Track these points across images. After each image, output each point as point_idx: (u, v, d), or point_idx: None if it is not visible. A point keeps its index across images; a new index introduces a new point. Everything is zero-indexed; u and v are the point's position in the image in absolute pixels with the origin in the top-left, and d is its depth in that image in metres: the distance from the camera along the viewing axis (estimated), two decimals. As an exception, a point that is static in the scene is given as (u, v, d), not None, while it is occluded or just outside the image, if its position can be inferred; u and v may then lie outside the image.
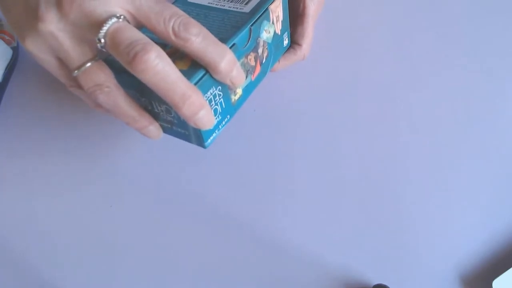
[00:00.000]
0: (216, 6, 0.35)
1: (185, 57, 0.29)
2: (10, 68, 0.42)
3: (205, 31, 0.27)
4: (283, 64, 0.41)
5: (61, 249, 0.37)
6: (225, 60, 0.28)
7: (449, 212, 0.38)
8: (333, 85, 0.43)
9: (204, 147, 0.32)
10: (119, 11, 0.26)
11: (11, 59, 0.41)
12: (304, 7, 0.39)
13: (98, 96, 0.28)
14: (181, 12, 0.27)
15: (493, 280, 0.35)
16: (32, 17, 0.26)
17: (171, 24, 0.26)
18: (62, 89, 0.42)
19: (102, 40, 0.26)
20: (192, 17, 0.32)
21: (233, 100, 0.34)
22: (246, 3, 0.35)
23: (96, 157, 0.40)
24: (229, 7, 0.35)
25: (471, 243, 0.37)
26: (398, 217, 0.38)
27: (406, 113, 0.42)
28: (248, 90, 0.37)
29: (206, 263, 0.37)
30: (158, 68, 0.25)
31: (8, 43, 0.41)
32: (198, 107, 0.27)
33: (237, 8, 0.34)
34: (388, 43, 0.45)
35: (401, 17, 0.46)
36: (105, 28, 0.25)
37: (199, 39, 0.27)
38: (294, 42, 0.40)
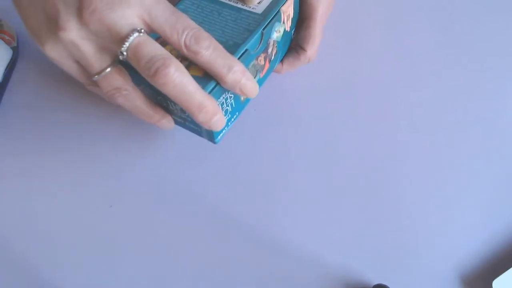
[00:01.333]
0: (229, 2, 0.35)
1: None
2: (10, 68, 0.42)
3: (214, 43, 0.28)
4: (286, 68, 0.40)
5: (61, 249, 0.37)
6: (233, 72, 0.29)
7: (449, 212, 0.38)
8: (333, 85, 0.43)
9: (214, 143, 0.34)
10: (138, 23, 0.27)
11: (11, 59, 0.41)
12: (311, 10, 0.37)
13: (117, 98, 0.30)
14: (193, 25, 0.28)
15: (493, 280, 0.35)
16: (53, 25, 0.27)
17: (184, 37, 0.27)
18: (62, 89, 0.42)
19: (124, 53, 0.27)
20: (206, 15, 0.33)
21: (242, 98, 0.35)
22: (259, 2, 0.35)
23: (97, 157, 0.40)
24: (242, 5, 0.35)
25: (471, 243, 0.37)
26: (398, 217, 0.38)
27: (406, 113, 0.42)
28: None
29: (206, 263, 0.37)
30: (177, 81, 0.27)
31: (8, 43, 0.41)
32: (212, 114, 0.29)
33: (249, 7, 0.34)
34: (389, 42, 0.45)
35: (401, 17, 0.46)
36: (127, 43, 0.27)
37: (208, 52, 0.28)
38: (298, 46, 0.39)
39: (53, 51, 0.28)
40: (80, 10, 0.26)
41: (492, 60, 0.43)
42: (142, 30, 0.27)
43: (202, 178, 0.39)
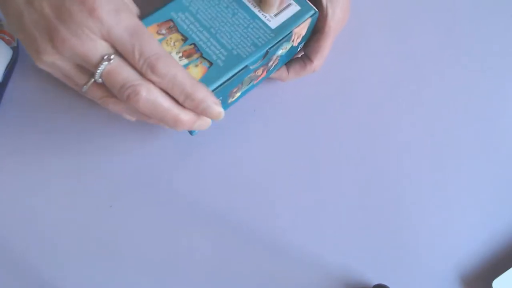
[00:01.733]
0: (248, 3, 0.34)
1: (200, 64, 0.31)
2: (10, 68, 0.42)
3: (172, 72, 0.28)
4: (292, 77, 0.40)
5: (61, 249, 0.37)
6: (191, 100, 0.29)
7: (449, 212, 0.38)
8: (333, 85, 0.43)
9: (191, 134, 0.37)
10: (106, 48, 0.28)
11: (11, 59, 0.41)
12: (324, 25, 0.36)
13: (108, 106, 0.31)
14: (151, 51, 0.28)
15: (493, 280, 0.35)
16: (36, 47, 0.28)
17: (140, 64, 0.28)
18: (62, 89, 0.42)
19: (99, 79, 0.28)
20: (221, 10, 0.34)
21: (229, 101, 0.35)
22: (276, 15, 0.34)
23: (97, 156, 0.40)
24: (259, 10, 0.34)
25: (471, 243, 0.37)
26: (398, 217, 0.38)
27: (406, 113, 0.42)
28: (247, 90, 0.37)
29: (206, 263, 0.37)
30: (149, 102, 0.28)
31: (8, 43, 0.41)
32: (190, 124, 0.30)
33: (265, 17, 0.34)
34: (389, 42, 0.45)
35: (402, 18, 0.46)
36: (99, 72, 0.28)
37: (164, 82, 0.28)
38: (306, 56, 0.39)
39: (43, 67, 0.30)
40: (51, 39, 0.27)
41: (492, 60, 0.43)
42: (112, 56, 0.28)
43: (202, 177, 0.39)
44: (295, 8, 0.34)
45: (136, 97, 0.28)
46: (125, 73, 0.28)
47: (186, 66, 0.31)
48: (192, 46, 0.32)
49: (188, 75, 0.29)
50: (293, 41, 0.35)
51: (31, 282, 0.36)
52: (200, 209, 0.38)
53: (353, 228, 0.38)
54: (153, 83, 0.28)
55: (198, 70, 0.31)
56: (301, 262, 0.37)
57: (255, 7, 0.34)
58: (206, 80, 0.31)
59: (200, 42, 0.32)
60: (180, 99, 0.29)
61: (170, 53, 0.31)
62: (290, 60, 0.40)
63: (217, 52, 0.32)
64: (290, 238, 0.37)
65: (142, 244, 0.37)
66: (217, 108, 0.30)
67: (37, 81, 0.42)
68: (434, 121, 0.41)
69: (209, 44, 0.32)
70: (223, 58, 0.32)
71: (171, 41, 0.32)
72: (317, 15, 0.35)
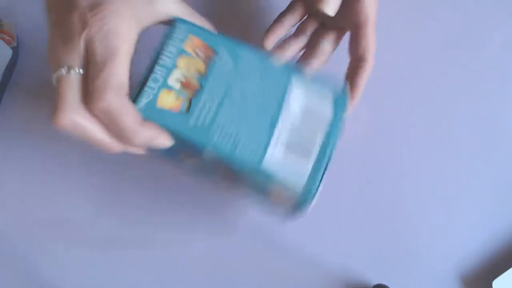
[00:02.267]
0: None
1: (179, 100, 0.27)
2: (10, 68, 0.42)
3: (117, 112, 0.25)
4: (361, 89, 0.37)
5: (61, 249, 0.37)
6: (130, 144, 0.27)
7: (449, 212, 0.38)
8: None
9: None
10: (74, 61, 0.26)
11: (11, 59, 0.41)
12: (364, 18, 0.34)
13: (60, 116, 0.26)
14: (108, 84, 0.25)
15: (493, 280, 0.35)
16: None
17: (90, 87, 0.26)
18: (62, 89, 0.42)
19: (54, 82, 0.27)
20: (259, 93, 0.28)
21: (181, 160, 0.32)
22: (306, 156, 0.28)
23: (97, 156, 0.40)
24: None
25: (471, 243, 0.37)
26: (398, 217, 0.38)
27: (406, 113, 0.42)
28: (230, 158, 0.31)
29: (206, 263, 0.37)
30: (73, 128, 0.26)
31: (8, 43, 0.41)
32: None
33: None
34: (388, 42, 0.44)
35: (402, 17, 0.46)
36: (54, 76, 0.26)
37: (104, 118, 0.26)
38: (359, 59, 0.35)
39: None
40: None
41: (492, 60, 0.43)
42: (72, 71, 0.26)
43: (201, 177, 0.39)
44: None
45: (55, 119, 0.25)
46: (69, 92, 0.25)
47: (169, 88, 0.27)
48: (197, 85, 0.28)
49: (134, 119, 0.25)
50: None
51: (31, 282, 0.36)
52: (199, 208, 0.38)
53: (353, 228, 0.38)
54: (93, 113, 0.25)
55: (170, 101, 0.27)
56: (301, 261, 0.37)
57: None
58: (167, 120, 0.27)
59: (206, 95, 0.27)
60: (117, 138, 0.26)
61: (176, 67, 0.28)
62: (349, 77, 0.36)
63: (204, 117, 0.27)
64: (290, 237, 0.37)
65: (142, 244, 0.37)
66: (160, 143, 0.27)
67: (37, 81, 0.42)
68: (434, 121, 0.41)
69: (208, 105, 0.27)
70: (199, 124, 0.27)
71: (192, 64, 0.28)
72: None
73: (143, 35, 0.28)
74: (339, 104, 0.30)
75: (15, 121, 0.41)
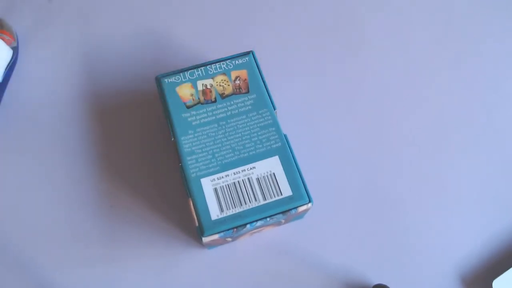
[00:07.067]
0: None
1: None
2: (10, 68, 0.42)
3: None
4: None
5: (61, 249, 0.37)
6: None
7: (449, 212, 0.38)
8: (332, 85, 0.43)
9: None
10: None
11: (11, 59, 0.41)
12: None
13: None
14: None
15: (493, 280, 0.35)
16: None
17: None
18: (62, 88, 0.42)
19: None
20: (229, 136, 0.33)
21: None
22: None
23: (96, 156, 0.40)
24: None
25: (471, 243, 0.37)
26: (398, 217, 0.38)
27: (406, 113, 0.42)
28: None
29: (206, 262, 0.37)
30: None
31: (8, 43, 0.41)
32: None
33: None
34: (388, 42, 0.45)
35: (401, 17, 0.46)
36: None
37: None
38: None
39: None
40: None
41: (492, 60, 0.43)
42: None
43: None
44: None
45: None
46: None
47: (193, 84, 0.33)
48: (213, 99, 0.33)
49: None
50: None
51: (31, 282, 0.36)
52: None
53: (353, 228, 0.38)
54: None
55: (186, 92, 0.33)
56: (301, 261, 0.37)
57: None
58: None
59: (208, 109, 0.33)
60: None
61: (212, 78, 0.34)
62: None
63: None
64: (290, 237, 0.37)
65: (142, 243, 0.37)
66: None
67: (37, 81, 0.42)
68: (434, 121, 0.41)
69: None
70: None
71: (225, 84, 0.33)
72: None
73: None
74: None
75: (15, 121, 0.41)
